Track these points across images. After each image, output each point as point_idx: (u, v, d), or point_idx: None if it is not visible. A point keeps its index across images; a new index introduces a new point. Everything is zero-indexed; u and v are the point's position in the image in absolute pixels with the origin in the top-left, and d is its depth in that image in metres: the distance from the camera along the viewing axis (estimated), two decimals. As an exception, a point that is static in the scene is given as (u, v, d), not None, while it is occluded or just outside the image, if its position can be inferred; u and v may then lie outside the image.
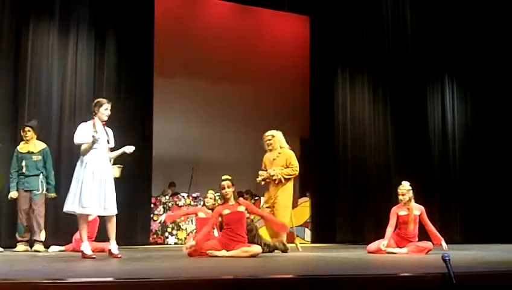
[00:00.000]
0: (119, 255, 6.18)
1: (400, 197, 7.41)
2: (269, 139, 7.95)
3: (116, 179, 6.95)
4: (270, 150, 7.97)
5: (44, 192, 7.93)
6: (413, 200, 7.44)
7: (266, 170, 7.92)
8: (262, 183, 8.01)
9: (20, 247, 7.72)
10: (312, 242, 11.15)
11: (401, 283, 3.92)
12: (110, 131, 6.44)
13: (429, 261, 5.89)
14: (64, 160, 8.73)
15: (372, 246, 7.38)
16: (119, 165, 7.22)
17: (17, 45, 8.88)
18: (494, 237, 11.06)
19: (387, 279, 3.98)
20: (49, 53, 9.16)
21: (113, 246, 6.27)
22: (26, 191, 7.85)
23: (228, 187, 6.67)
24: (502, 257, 6.64)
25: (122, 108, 9.67)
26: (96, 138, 6.16)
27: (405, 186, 7.43)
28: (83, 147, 6.20)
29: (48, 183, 7.96)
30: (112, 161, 6.70)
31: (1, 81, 8.65)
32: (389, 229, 7.33)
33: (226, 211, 6.63)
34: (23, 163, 7.86)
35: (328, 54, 11.62)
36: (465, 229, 11.61)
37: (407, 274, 4.19)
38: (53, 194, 8.02)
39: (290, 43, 13.08)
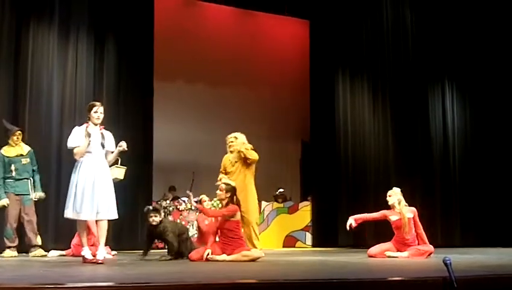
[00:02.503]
0: (99, 261, 5.95)
1: (387, 198, 7.52)
2: (231, 141, 7.78)
3: (117, 183, 6.89)
4: (231, 152, 7.77)
5: (33, 198, 7.71)
6: (403, 202, 7.45)
7: (225, 173, 7.68)
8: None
9: (8, 253, 7.46)
10: (313, 246, 11.14)
11: (402, 287, 3.92)
12: (108, 134, 6.32)
13: (430, 264, 5.90)
14: (64, 163, 8.68)
15: (373, 250, 7.39)
16: (117, 166, 7.02)
17: (17, 47, 8.86)
18: (493, 240, 11.06)
19: (387, 283, 3.98)
20: (49, 56, 9.14)
21: (99, 251, 6.08)
22: (17, 195, 7.62)
23: (220, 190, 6.69)
24: (503, 260, 6.64)
25: (121, 112, 9.69)
26: (88, 133, 6.07)
27: (393, 190, 7.55)
28: (76, 150, 6.14)
29: (35, 186, 7.77)
30: (119, 162, 6.63)
31: (1, 84, 8.63)
32: (366, 214, 7.67)
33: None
34: (12, 167, 7.67)
35: (328, 58, 11.62)
36: (465, 233, 11.60)
37: (407, 278, 4.19)
38: (41, 193, 7.81)
39: (290, 46, 13.07)
